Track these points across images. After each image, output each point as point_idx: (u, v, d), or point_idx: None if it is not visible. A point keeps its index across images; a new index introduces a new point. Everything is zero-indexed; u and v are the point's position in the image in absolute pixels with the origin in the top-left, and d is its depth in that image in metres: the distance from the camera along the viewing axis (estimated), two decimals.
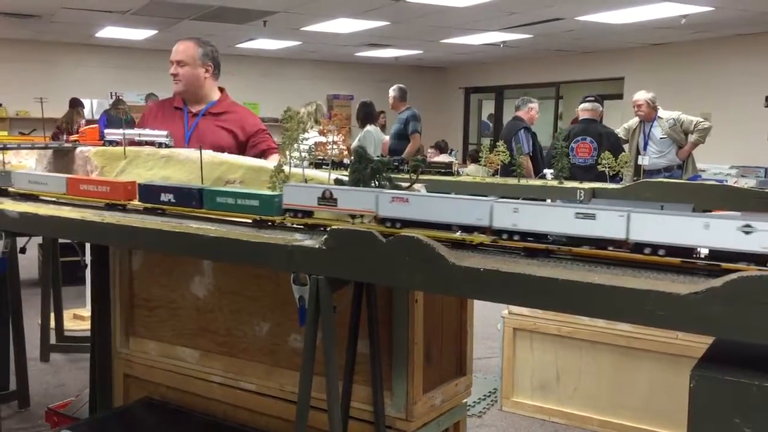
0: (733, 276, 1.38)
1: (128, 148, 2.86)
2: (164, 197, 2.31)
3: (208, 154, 2.71)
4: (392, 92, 8.32)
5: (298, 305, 2.06)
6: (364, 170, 2.17)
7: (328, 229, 1.89)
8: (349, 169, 2.24)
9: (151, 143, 2.92)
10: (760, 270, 1.42)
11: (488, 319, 4.12)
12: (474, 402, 4.04)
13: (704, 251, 1.58)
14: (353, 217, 2.01)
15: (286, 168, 2.35)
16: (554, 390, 3.85)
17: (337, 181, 2.30)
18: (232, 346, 2.64)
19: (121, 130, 3.01)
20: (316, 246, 1.89)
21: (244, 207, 2.14)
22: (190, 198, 2.25)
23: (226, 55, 13.60)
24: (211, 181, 2.58)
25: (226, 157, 2.74)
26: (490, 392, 4.19)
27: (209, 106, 3.59)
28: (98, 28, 10.56)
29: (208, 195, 2.22)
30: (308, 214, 2.09)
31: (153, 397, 2.82)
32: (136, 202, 2.40)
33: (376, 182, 2.19)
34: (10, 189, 2.79)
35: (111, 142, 2.98)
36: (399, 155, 7.31)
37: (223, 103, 3.63)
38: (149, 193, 2.36)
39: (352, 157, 2.25)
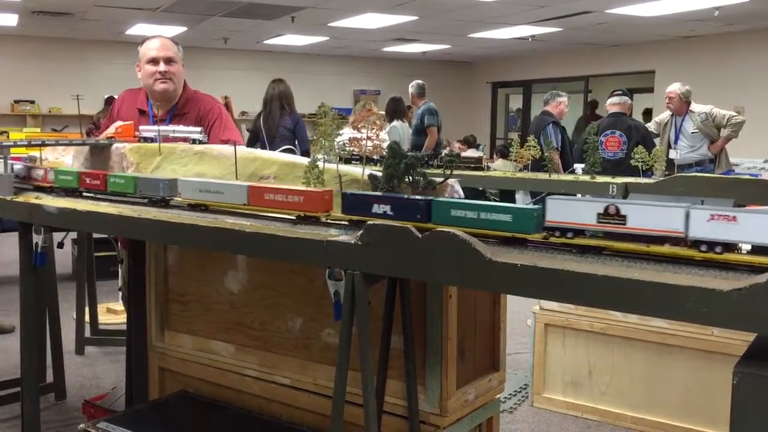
0: None
1: (163, 145, 2.89)
2: (377, 209, 1.98)
3: (242, 150, 2.74)
4: (411, 88, 8.34)
5: (333, 300, 2.07)
6: (397, 165, 2.17)
7: (365, 224, 1.89)
8: (383, 165, 2.25)
9: (185, 139, 2.95)
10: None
11: (518, 314, 4.11)
12: (505, 398, 4.02)
13: None
14: (649, 240, 1.66)
15: (320, 164, 2.37)
16: (586, 386, 3.82)
17: (372, 177, 2.30)
18: (266, 340, 2.66)
19: (155, 127, 3.04)
20: (352, 241, 1.89)
21: (489, 222, 1.81)
22: (414, 210, 1.92)
23: (254, 51, 13.72)
24: (245, 177, 2.60)
25: (259, 152, 2.76)
26: (521, 388, 4.18)
27: (174, 109, 3.47)
28: (129, 25, 10.67)
29: (439, 207, 1.89)
30: (580, 233, 1.75)
31: (188, 391, 2.85)
32: (336, 213, 2.13)
33: (410, 177, 2.19)
34: (177, 198, 2.48)
35: (146, 139, 3.02)
36: (417, 150, 7.32)
37: (183, 98, 3.49)
38: (356, 203, 2.05)
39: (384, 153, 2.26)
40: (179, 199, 2.48)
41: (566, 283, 1.59)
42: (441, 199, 1.94)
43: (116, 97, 3.76)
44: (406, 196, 2.01)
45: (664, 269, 1.61)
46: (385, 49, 13.45)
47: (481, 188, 7.47)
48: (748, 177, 4.97)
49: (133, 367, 3.06)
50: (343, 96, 14.25)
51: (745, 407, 1.40)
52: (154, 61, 3.41)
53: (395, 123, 8.18)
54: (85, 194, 2.73)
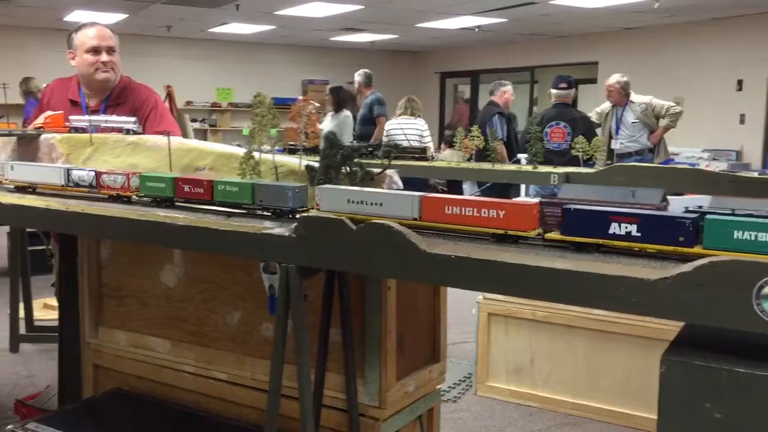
0: (704, 261, 1.38)
1: (94, 135, 2.80)
2: (618, 229, 1.57)
3: (177, 141, 2.67)
4: (357, 77, 8.29)
5: (268, 294, 2.04)
6: (334, 156, 2.14)
7: (298, 216, 1.86)
8: (319, 156, 2.21)
9: (118, 130, 2.86)
10: (729, 255, 1.42)
11: (464, 303, 4.12)
12: (449, 387, 4.04)
13: None
14: None
15: (256, 154, 2.32)
16: (529, 374, 3.86)
17: (309, 168, 2.27)
18: (204, 335, 2.60)
19: (87, 117, 2.94)
20: (286, 234, 1.86)
21: None
22: (675, 231, 1.52)
23: (199, 40, 13.46)
24: (179, 169, 2.53)
25: (195, 143, 2.69)
26: (465, 377, 4.20)
27: (107, 100, 3.36)
28: (67, 11, 10.34)
29: (715, 227, 1.48)
30: None
31: (123, 388, 2.78)
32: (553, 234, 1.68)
33: (347, 168, 2.17)
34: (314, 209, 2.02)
35: (76, 129, 2.91)
36: (366, 140, 7.28)
37: (117, 88, 3.39)
38: (585, 221, 1.62)
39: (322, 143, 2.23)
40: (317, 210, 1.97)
41: (500, 274, 1.58)
42: (715, 216, 1.51)
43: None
44: (662, 213, 1.59)
45: (596, 259, 1.62)
46: (333, 39, 13.35)
47: (428, 179, 7.51)
48: (685, 166, 5.09)
49: (65, 364, 2.97)
50: (291, 85, 14.10)
51: (672, 394, 1.42)
52: (96, 50, 3.31)
53: (347, 112, 8.13)
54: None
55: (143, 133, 2.91)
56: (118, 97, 3.36)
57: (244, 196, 2.11)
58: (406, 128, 7.53)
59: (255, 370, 2.47)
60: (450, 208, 1.78)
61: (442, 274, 1.67)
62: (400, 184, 2.29)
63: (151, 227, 2.08)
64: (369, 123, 8.01)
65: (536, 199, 1.80)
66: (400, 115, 7.68)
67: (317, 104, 2.28)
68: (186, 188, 2.23)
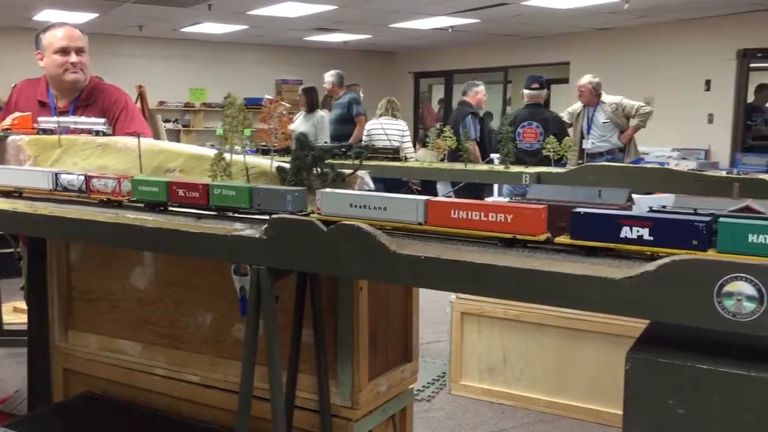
0: (666, 260, 1.40)
1: (63, 137, 2.77)
2: (629, 232, 1.52)
3: (147, 142, 2.65)
4: (330, 77, 8.28)
5: (239, 296, 2.04)
6: (305, 158, 2.15)
7: (269, 218, 1.86)
8: (290, 157, 2.22)
9: (88, 131, 2.83)
10: (691, 253, 1.45)
11: (438, 303, 4.14)
12: (423, 386, 4.06)
13: None
14: None
15: (227, 155, 2.32)
16: (501, 372, 3.90)
17: (280, 169, 2.27)
18: (175, 337, 2.59)
19: (55, 118, 2.91)
20: (257, 236, 1.86)
21: None
22: (688, 234, 1.48)
23: (171, 39, 13.31)
24: (150, 170, 2.52)
25: (165, 144, 2.68)
26: (439, 376, 4.23)
27: (77, 101, 3.32)
28: (36, 11, 10.20)
29: (730, 231, 1.45)
30: None
31: (94, 392, 2.75)
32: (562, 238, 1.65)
33: (318, 170, 2.17)
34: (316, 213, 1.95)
35: (45, 131, 2.88)
36: (344, 140, 7.29)
37: (87, 89, 3.35)
38: (594, 224, 1.58)
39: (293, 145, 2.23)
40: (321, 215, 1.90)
41: (468, 274, 1.60)
42: (729, 219, 1.49)
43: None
44: (675, 216, 1.54)
45: (563, 258, 1.64)
46: (307, 39, 13.32)
47: (404, 179, 7.52)
48: (655, 166, 5.16)
49: (34, 368, 2.94)
50: (264, 85, 14.03)
51: (636, 391, 1.45)
52: (65, 50, 3.27)
53: (322, 112, 8.13)
54: None
55: (113, 134, 2.89)
56: (88, 98, 3.33)
57: (242, 201, 2.06)
58: (387, 129, 7.58)
59: (227, 372, 2.46)
60: (456, 212, 1.74)
61: (412, 275, 1.69)
62: (372, 185, 2.30)
63: (121, 230, 2.07)
64: (347, 122, 8.01)
65: (543, 204, 1.75)
66: (380, 115, 7.73)
67: (288, 105, 2.28)
68: (180, 192, 2.17)
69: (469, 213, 1.72)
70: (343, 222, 1.76)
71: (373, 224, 1.83)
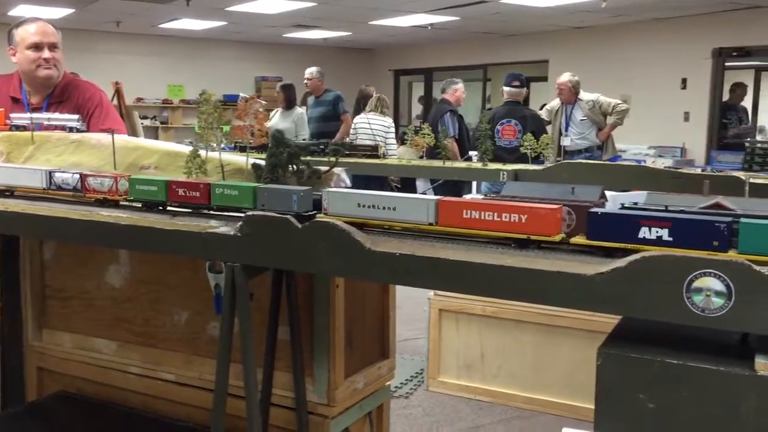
0: (637, 256, 1.42)
1: (36, 133, 2.74)
2: (648, 233, 1.49)
3: (122, 139, 2.63)
4: (315, 74, 8.20)
5: (214, 293, 2.03)
6: (280, 155, 2.14)
7: (243, 215, 1.85)
8: (266, 154, 2.21)
9: (61, 128, 2.80)
10: (662, 250, 1.46)
11: (417, 300, 4.15)
12: (401, 383, 4.07)
13: None
14: None
15: (202, 152, 2.30)
16: (479, 369, 3.92)
17: (255, 167, 2.26)
18: (151, 336, 2.57)
19: (28, 114, 2.88)
20: (231, 233, 1.85)
21: None
22: (709, 234, 1.45)
23: (149, 35, 13.18)
24: (124, 167, 2.50)
25: (140, 141, 2.66)
26: (417, 373, 4.24)
27: (50, 97, 3.28)
28: (11, 6, 10.07)
29: (752, 232, 1.42)
30: None
31: (68, 391, 2.73)
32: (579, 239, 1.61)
33: (294, 167, 2.17)
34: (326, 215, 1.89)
35: (17, 127, 2.84)
36: (329, 138, 7.26)
37: (60, 85, 3.31)
38: (612, 225, 1.54)
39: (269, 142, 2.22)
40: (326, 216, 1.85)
41: (443, 271, 1.61)
42: (750, 219, 1.46)
43: None
44: (696, 217, 1.50)
45: (536, 255, 1.65)
46: (286, 36, 13.28)
47: (387, 176, 7.52)
48: (632, 163, 5.21)
49: (8, 367, 2.90)
50: (243, 82, 13.98)
51: (607, 386, 1.47)
52: (38, 46, 3.22)
53: (300, 110, 8.11)
54: None
55: (87, 131, 2.86)
56: (61, 94, 3.29)
57: (245, 200, 1.99)
58: (373, 124, 7.60)
59: (203, 370, 2.45)
60: (468, 212, 1.70)
61: (387, 272, 1.69)
62: (348, 182, 2.30)
63: (95, 227, 2.05)
64: (332, 120, 7.99)
65: (559, 204, 1.72)
66: (369, 111, 7.74)
67: (263, 102, 2.27)
68: (181, 192, 2.10)
69: (482, 213, 1.68)
70: (318, 219, 1.76)
71: (382, 225, 1.82)
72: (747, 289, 1.32)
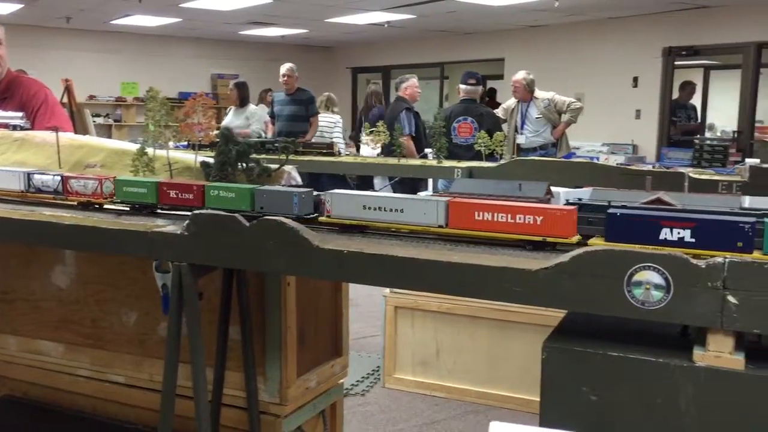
0: (579, 251, 1.44)
1: None
2: (670, 234, 1.45)
3: (67, 137, 2.58)
4: (294, 72, 7.98)
5: (161, 293, 2.00)
6: (229, 153, 2.12)
7: (191, 213, 1.83)
8: (215, 152, 2.18)
9: (4, 125, 2.73)
10: (604, 245, 1.49)
11: (375, 297, 4.16)
12: (357, 381, 4.07)
13: None
14: None
15: (149, 150, 2.27)
16: (434, 365, 3.94)
17: (204, 165, 2.23)
18: (99, 337, 2.53)
19: None
20: (178, 232, 1.83)
21: None
22: (733, 235, 1.42)
23: (101, 32, 12.90)
24: (69, 166, 2.45)
25: (86, 139, 2.61)
26: (373, 370, 4.24)
27: None
28: None
29: None
30: None
31: (14, 395, 2.66)
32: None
33: (243, 165, 2.15)
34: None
35: None
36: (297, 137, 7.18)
37: (4, 83, 3.23)
38: (631, 226, 1.49)
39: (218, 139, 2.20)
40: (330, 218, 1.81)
41: (390, 268, 1.61)
42: None
43: None
44: (719, 217, 1.46)
45: (483, 251, 1.66)
46: (243, 33, 13.15)
47: (343, 174, 7.51)
48: (582, 160, 5.30)
49: None
50: (199, 79, 13.81)
51: (552, 379, 1.49)
52: None
53: (257, 107, 8.04)
54: None
55: (32, 128, 2.79)
56: (5, 91, 3.21)
57: (242, 203, 1.92)
58: (322, 122, 7.71)
59: (153, 371, 2.42)
60: (480, 214, 1.66)
61: (335, 270, 1.69)
62: (299, 180, 2.29)
63: (37, 227, 2.01)
64: (302, 120, 7.88)
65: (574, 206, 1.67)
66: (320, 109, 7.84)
67: (212, 100, 2.25)
68: (172, 194, 2.04)
69: (495, 215, 1.64)
70: (266, 217, 1.75)
71: (388, 228, 1.76)
72: (685, 282, 1.35)
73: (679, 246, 1.44)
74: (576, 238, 1.60)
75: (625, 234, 1.49)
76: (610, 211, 1.53)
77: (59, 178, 2.21)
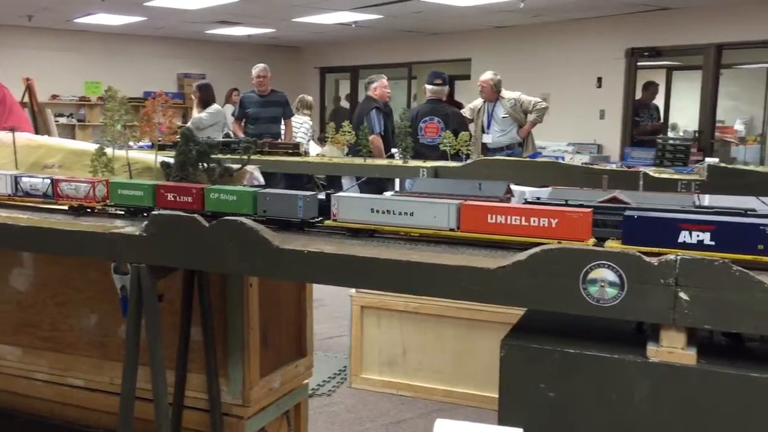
0: (536, 249, 1.46)
1: None
2: (689, 237, 1.45)
3: (24, 137, 2.54)
4: (268, 72, 7.84)
5: (120, 295, 1.98)
6: (189, 152, 2.11)
7: (149, 214, 1.81)
8: (175, 152, 2.17)
9: None
10: (560, 243, 1.51)
11: (342, 297, 4.15)
12: (323, 381, 4.06)
13: None
14: None
15: (108, 150, 2.24)
16: (401, 365, 3.94)
17: (164, 165, 2.21)
18: (58, 341, 2.49)
19: None
20: (137, 233, 1.81)
21: None
22: (754, 237, 1.42)
23: (64, 30, 12.71)
24: (27, 166, 2.41)
25: (43, 140, 2.57)
26: (340, 370, 4.23)
27: None
28: None
29: None
30: None
31: None
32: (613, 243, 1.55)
33: (203, 165, 2.13)
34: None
35: None
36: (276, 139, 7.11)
37: None
38: (648, 229, 1.49)
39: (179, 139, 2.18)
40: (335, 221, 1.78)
41: (351, 267, 1.61)
42: None
43: None
44: (739, 220, 1.47)
45: (443, 251, 1.67)
46: (209, 32, 13.03)
47: (312, 174, 7.49)
48: (546, 160, 5.34)
49: None
50: (165, 79, 13.64)
51: (510, 376, 1.50)
52: None
53: (216, 106, 7.96)
54: None
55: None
56: None
57: (244, 206, 1.88)
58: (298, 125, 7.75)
59: (113, 374, 2.38)
60: (493, 216, 1.62)
61: (295, 270, 1.68)
62: (261, 180, 2.28)
63: None
64: (278, 122, 7.84)
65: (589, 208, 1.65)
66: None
67: (172, 99, 2.22)
68: (170, 197, 1.98)
69: (508, 218, 1.61)
70: (226, 218, 1.74)
71: (398, 231, 1.72)
72: (638, 280, 1.38)
73: (698, 249, 1.42)
74: (591, 242, 1.58)
75: (643, 237, 1.48)
76: (627, 213, 1.51)
77: (49, 181, 2.14)
